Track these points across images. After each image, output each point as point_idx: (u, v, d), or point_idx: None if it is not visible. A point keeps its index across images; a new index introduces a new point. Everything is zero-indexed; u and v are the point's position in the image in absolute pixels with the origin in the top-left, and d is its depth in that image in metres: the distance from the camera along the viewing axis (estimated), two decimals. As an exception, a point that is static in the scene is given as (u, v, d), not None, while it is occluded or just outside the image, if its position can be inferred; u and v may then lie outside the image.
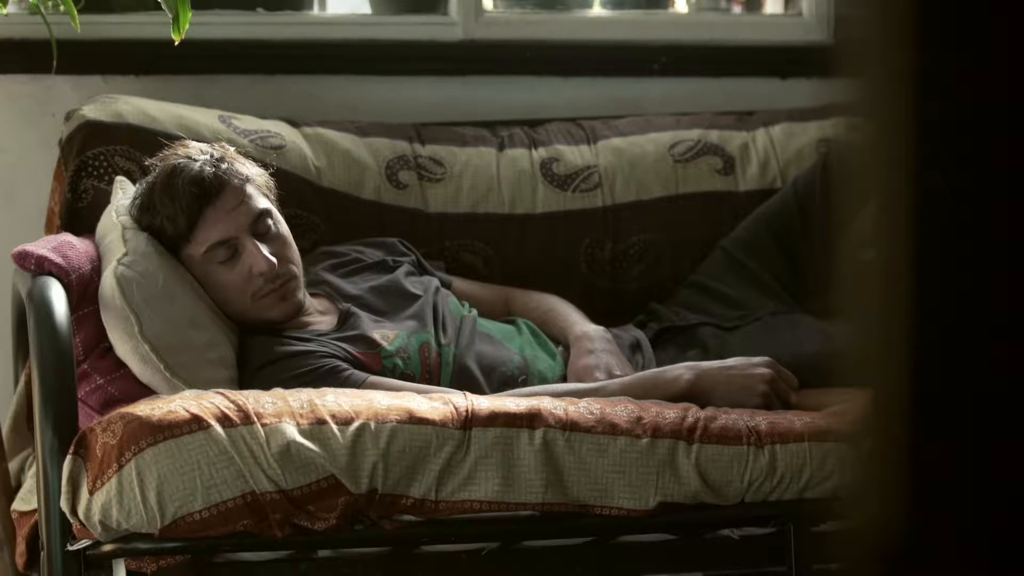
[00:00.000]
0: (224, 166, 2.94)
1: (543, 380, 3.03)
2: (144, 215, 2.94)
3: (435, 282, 3.18)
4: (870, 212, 1.00)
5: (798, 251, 3.32)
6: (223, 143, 3.09)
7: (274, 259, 2.91)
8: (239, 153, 3.04)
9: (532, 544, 2.67)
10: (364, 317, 3.03)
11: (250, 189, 2.95)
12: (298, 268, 2.98)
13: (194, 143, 3.03)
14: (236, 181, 2.94)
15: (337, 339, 2.95)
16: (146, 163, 3.02)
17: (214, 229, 2.91)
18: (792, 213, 3.36)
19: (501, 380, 3.00)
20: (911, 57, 0.97)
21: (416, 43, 3.74)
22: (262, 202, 2.96)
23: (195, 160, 2.93)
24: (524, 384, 3.00)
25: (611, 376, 2.98)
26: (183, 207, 2.89)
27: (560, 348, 3.13)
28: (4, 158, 3.53)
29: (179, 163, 2.93)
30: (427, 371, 2.96)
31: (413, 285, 3.14)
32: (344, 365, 2.88)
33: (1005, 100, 0.96)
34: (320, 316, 3.04)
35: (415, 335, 3.00)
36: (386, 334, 2.99)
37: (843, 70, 1.04)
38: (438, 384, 2.95)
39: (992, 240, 0.97)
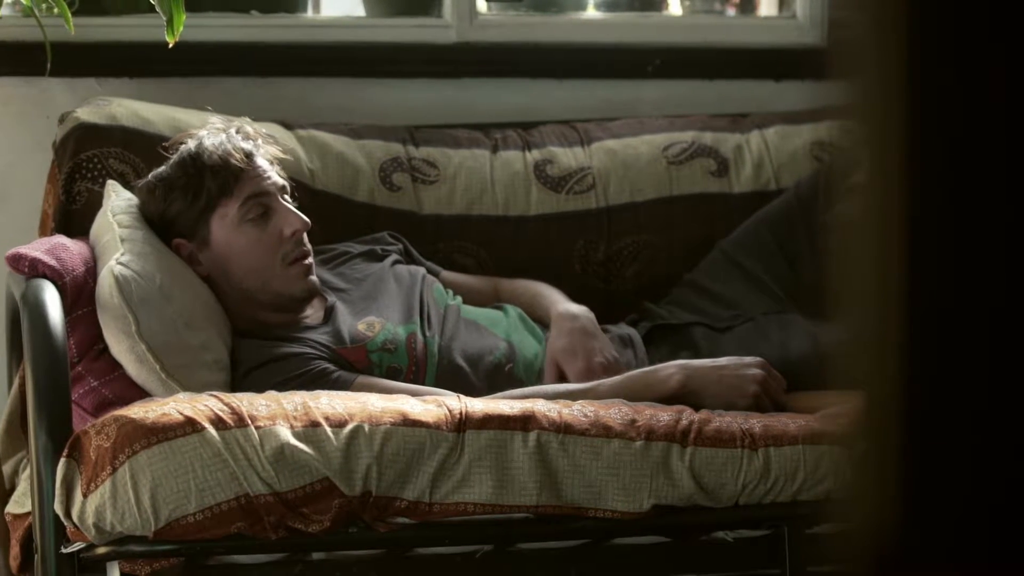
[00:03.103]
0: (258, 140, 3.06)
1: (530, 366, 3.03)
2: (176, 185, 2.98)
3: (422, 271, 3.19)
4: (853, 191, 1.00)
5: (799, 255, 3.32)
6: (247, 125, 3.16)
7: (306, 218, 2.97)
8: (261, 133, 3.13)
9: (526, 547, 2.68)
10: (349, 310, 3.04)
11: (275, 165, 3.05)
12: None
13: (218, 118, 3.09)
14: (269, 151, 3.05)
15: (324, 334, 2.96)
16: (160, 147, 3.05)
17: (251, 183, 2.97)
18: (794, 217, 3.36)
19: (488, 370, 3.00)
20: (905, 59, 0.97)
21: (410, 45, 3.74)
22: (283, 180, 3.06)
23: (230, 128, 3.03)
24: (511, 371, 3.00)
25: (590, 361, 2.98)
26: (233, 156, 2.96)
27: (547, 333, 3.13)
28: (-2, 160, 3.53)
29: (215, 131, 3.01)
30: (414, 363, 2.97)
31: (400, 274, 3.16)
32: (332, 367, 2.88)
33: (1000, 102, 0.97)
34: (308, 310, 3.05)
35: (402, 325, 3.01)
36: (372, 323, 3.00)
37: (837, 72, 1.04)
38: (424, 375, 2.95)
39: (987, 241, 0.97)
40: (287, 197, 3.02)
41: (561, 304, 3.16)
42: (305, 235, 2.99)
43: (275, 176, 3.01)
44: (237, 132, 3.01)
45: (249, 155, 2.99)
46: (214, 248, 2.98)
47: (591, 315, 3.12)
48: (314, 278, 3.01)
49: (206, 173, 2.95)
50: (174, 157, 3.01)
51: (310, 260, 3.00)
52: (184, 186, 2.96)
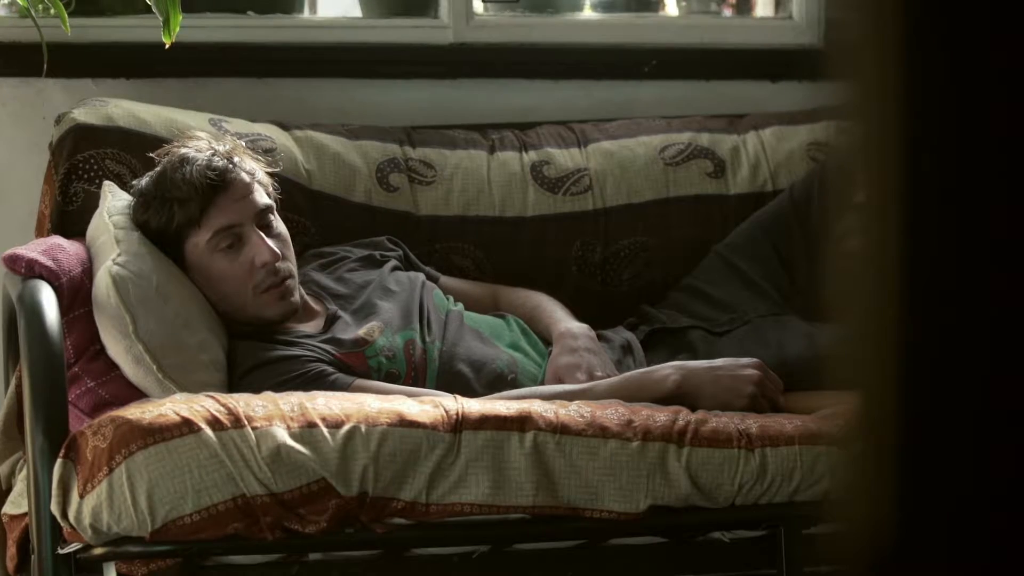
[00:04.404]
0: (236, 159, 2.98)
1: (533, 380, 3.03)
2: (151, 204, 2.95)
3: (421, 277, 3.19)
4: (857, 208, 1.00)
5: (794, 257, 3.32)
6: (232, 136, 3.12)
7: (277, 250, 2.93)
8: (246, 149, 3.07)
9: (523, 547, 2.67)
10: (350, 318, 3.04)
11: (256, 184, 2.98)
12: (295, 269, 3.01)
13: (203, 134, 3.05)
14: (244, 174, 2.98)
15: (323, 341, 2.95)
16: (149, 155, 3.03)
17: (222, 215, 2.94)
18: (789, 219, 3.36)
19: (491, 377, 2.99)
20: (902, 60, 0.97)
21: (407, 46, 3.74)
22: (266, 199, 2.99)
23: (207, 149, 2.96)
24: (514, 380, 3.00)
25: (592, 377, 2.98)
26: (197, 191, 2.91)
27: (550, 348, 3.13)
28: (-6, 161, 3.53)
29: (191, 152, 2.95)
30: (412, 368, 2.97)
31: (399, 280, 3.15)
32: (330, 369, 2.88)
33: (997, 102, 0.97)
34: (307, 317, 3.04)
35: (400, 332, 3.01)
36: (372, 329, 2.99)
37: (834, 73, 1.04)
38: (424, 381, 2.95)
39: (983, 241, 0.97)
40: (272, 216, 3.00)
41: (563, 323, 3.15)
42: (280, 263, 2.95)
43: (255, 197, 2.97)
44: (215, 155, 2.96)
45: (224, 182, 2.94)
46: (190, 271, 2.97)
47: (592, 333, 3.13)
48: (295, 299, 2.99)
49: (174, 204, 2.93)
50: (156, 171, 2.99)
51: (289, 283, 2.97)
52: (157, 209, 2.95)
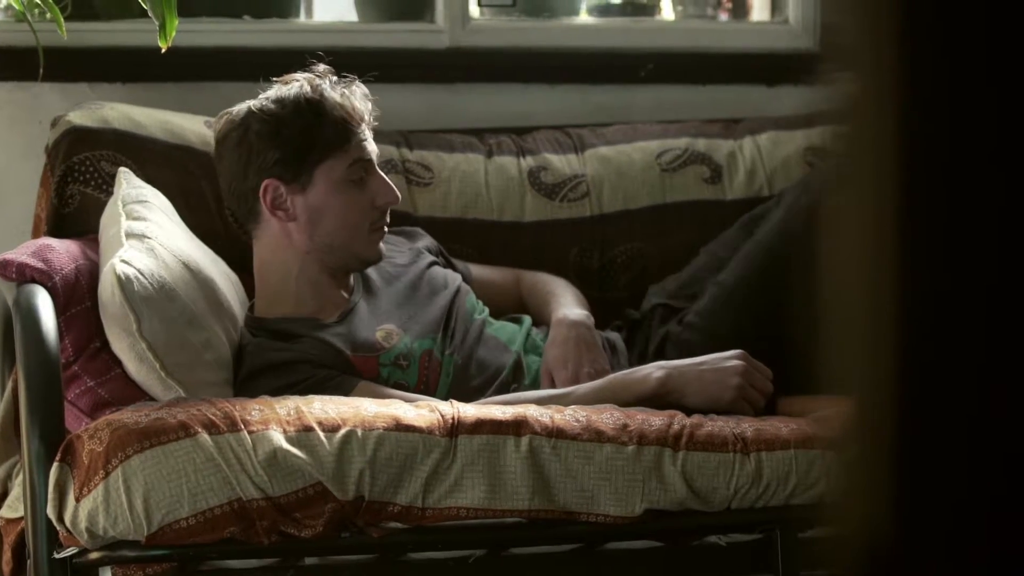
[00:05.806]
0: (370, 104, 3.07)
1: (533, 386, 3.03)
2: (293, 125, 2.97)
3: (458, 279, 3.19)
4: (854, 209, 1.00)
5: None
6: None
7: (399, 194, 3.04)
8: None
9: (519, 551, 2.67)
10: (370, 310, 3.03)
11: None
12: None
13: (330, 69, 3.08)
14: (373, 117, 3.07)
15: (337, 335, 2.94)
16: (273, 79, 3.06)
17: (360, 147, 3.00)
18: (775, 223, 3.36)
19: (497, 389, 2.99)
20: (897, 63, 0.98)
21: (403, 51, 3.74)
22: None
23: (351, 85, 3.04)
24: (517, 391, 2.99)
25: (577, 374, 2.98)
26: (353, 115, 2.99)
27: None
28: (-10, 165, 3.53)
29: (335, 83, 3.02)
30: (423, 380, 2.96)
31: (433, 281, 3.15)
32: (333, 373, 2.87)
33: (992, 106, 0.97)
34: (328, 301, 3.03)
35: (419, 340, 3.00)
36: (389, 334, 2.99)
37: (829, 77, 1.04)
38: (434, 393, 2.95)
39: (980, 244, 0.97)
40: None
41: (562, 309, 3.15)
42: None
43: (374, 144, 3.05)
44: (355, 89, 3.03)
45: (364, 118, 3.02)
46: (310, 197, 2.98)
47: (590, 322, 3.11)
48: (383, 246, 3.05)
49: (326, 123, 2.97)
50: (284, 96, 2.99)
51: (386, 230, 3.05)
52: (301, 128, 2.96)
